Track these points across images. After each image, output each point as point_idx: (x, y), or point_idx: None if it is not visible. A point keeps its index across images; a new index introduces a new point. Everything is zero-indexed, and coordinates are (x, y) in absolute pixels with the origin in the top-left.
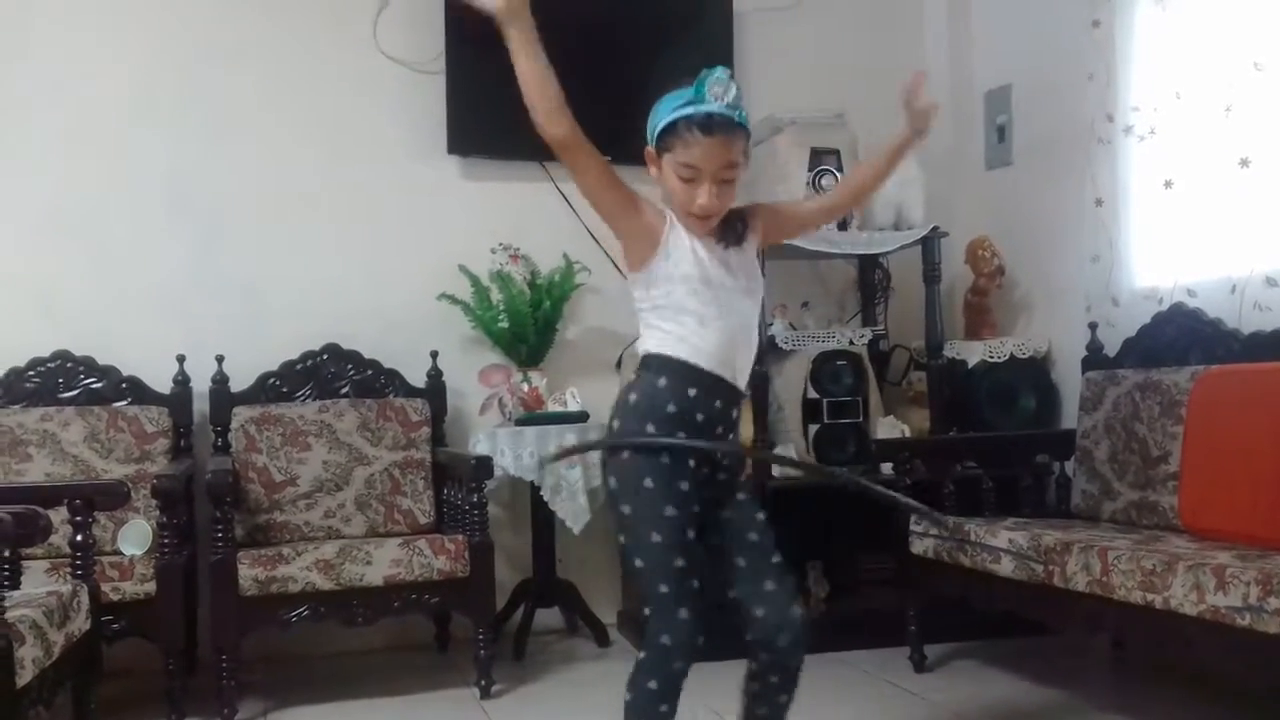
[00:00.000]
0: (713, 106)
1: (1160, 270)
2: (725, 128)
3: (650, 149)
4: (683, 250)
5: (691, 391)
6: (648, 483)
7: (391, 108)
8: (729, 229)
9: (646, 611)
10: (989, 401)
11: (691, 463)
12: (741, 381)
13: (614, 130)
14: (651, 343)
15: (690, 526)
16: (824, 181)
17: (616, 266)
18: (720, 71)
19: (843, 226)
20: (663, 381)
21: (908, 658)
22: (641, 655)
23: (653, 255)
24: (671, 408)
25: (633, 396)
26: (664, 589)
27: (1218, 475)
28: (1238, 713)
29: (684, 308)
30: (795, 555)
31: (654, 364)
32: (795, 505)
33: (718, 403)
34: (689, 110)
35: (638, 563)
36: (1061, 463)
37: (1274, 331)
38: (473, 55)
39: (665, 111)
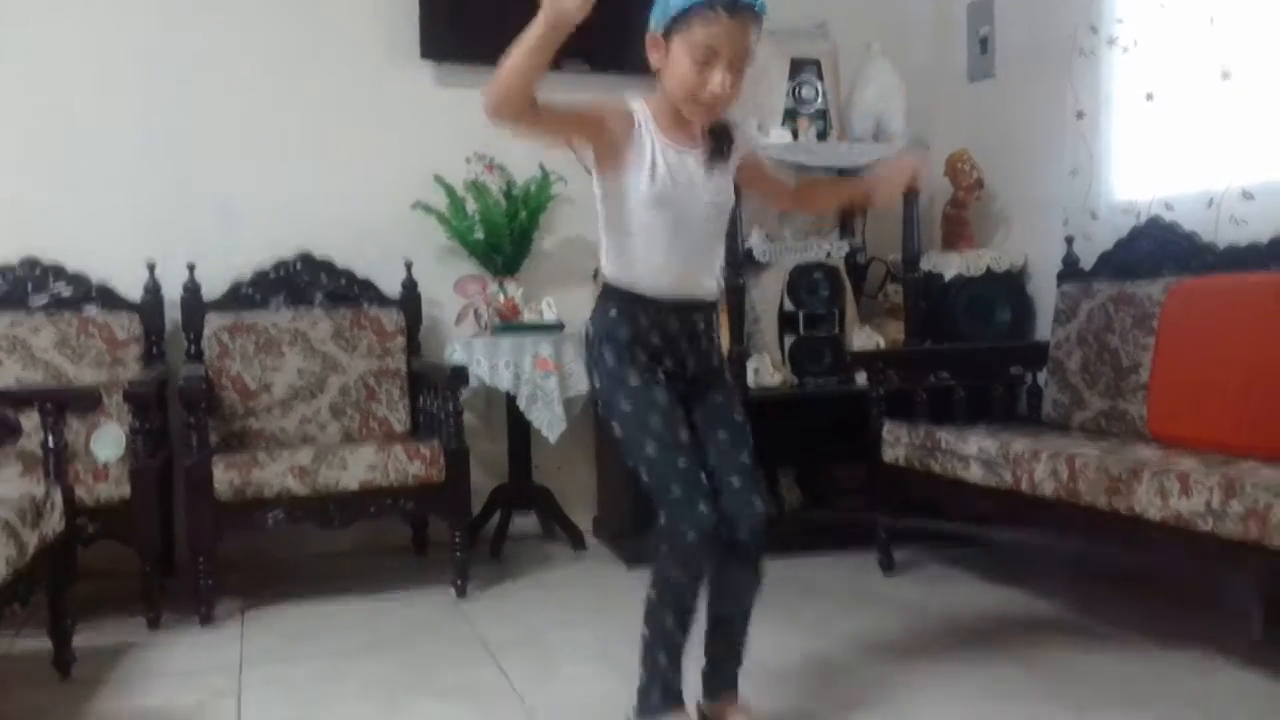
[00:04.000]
0: None
1: (1139, 184)
2: (749, 11)
3: (656, 34)
4: (644, 162)
5: (642, 319)
6: (625, 406)
7: (363, 11)
8: (717, 142)
9: (663, 515)
10: (965, 314)
11: (665, 366)
12: (702, 293)
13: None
14: (603, 265)
15: (681, 427)
16: (804, 92)
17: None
18: None
19: (822, 137)
20: (613, 312)
21: (876, 561)
22: (664, 551)
23: (615, 162)
24: (625, 335)
25: (591, 328)
26: (676, 491)
27: (1186, 385)
28: (1198, 615)
29: (629, 230)
30: (768, 464)
31: (605, 292)
32: (768, 415)
33: (673, 324)
34: None
35: (644, 476)
36: (1034, 373)
37: (1249, 245)
38: None
39: None
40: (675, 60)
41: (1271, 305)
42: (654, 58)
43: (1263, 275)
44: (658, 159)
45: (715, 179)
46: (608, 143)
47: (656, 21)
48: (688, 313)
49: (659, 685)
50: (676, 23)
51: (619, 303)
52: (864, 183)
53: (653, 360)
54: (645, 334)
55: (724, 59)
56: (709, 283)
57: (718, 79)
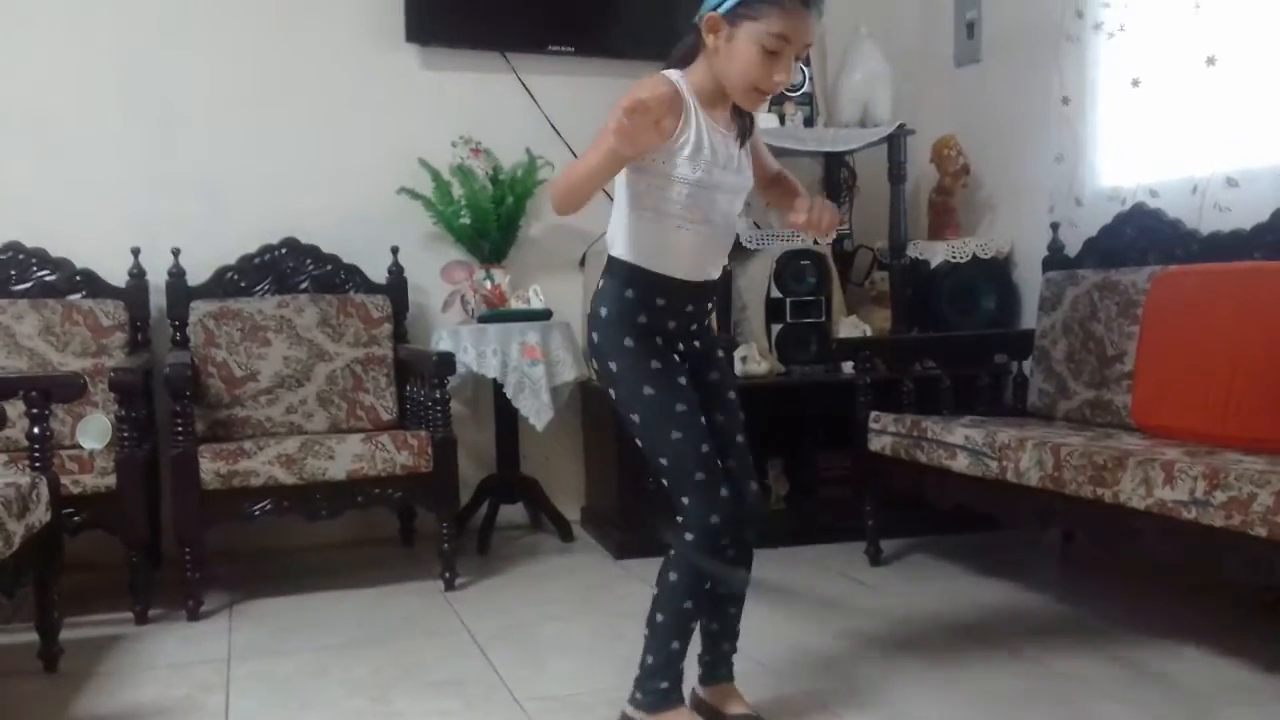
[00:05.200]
0: None
1: (1124, 170)
2: (820, 3)
3: (716, 15)
4: (691, 143)
5: (660, 301)
6: (648, 390)
7: None
8: (741, 123)
9: (685, 502)
10: (950, 301)
11: (680, 348)
12: (717, 274)
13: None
14: (620, 245)
15: (700, 411)
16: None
17: None
18: None
19: (809, 123)
20: (630, 293)
21: (864, 552)
22: (689, 538)
23: (666, 145)
24: (643, 318)
25: (604, 310)
26: (700, 475)
27: (1171, 374)
28: (1182, 604)
29: (665, 210)
30: (756, 454)
31: (622, 272)
32: (756, 405)
33: (689, 306)
34: None
35: (663, 461)
36: (1019, 362)
37: (1232, 232)
38: None
39: None
40: (740, 47)
41: (1253, 294)
42: (710, 39)
43: (1246, 264)
44: (704, 140)
45: (742, 160)
46: (669, 137)
47: (722, 2)
48: (701, 294)
49: (669, 671)
50: (747, 7)
51: (638, 283)
52: (795, 206)
53: (667, 344)
54: (663, 316)
55: (794, 48)
56: (723, 263)
57: (784, 68)
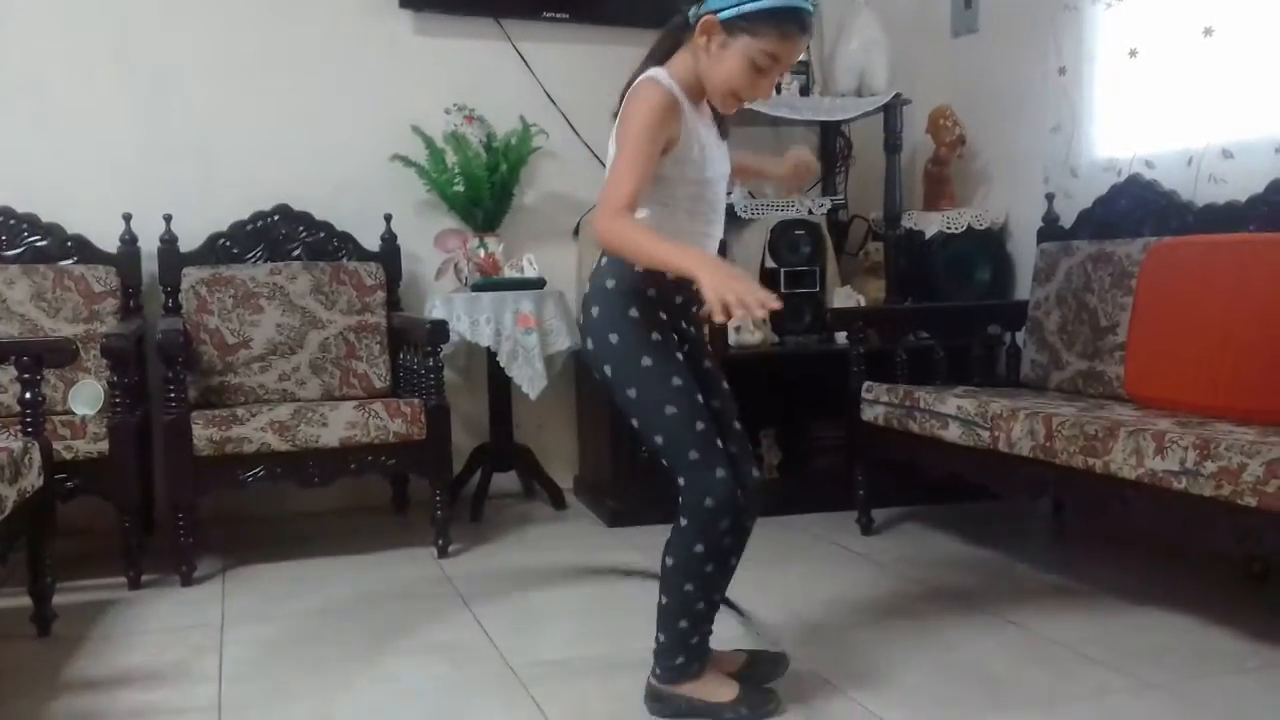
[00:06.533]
0: (807, 4)
1: (1120, 141)
2: (812, 25)
3: (714, 20)
4: (688, 140)
5: (669, 277)
6: (646, 361)
7: None
8: (720, 120)
9: (681, 482)
10: (945, 272)
11: (681, 327)
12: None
13: None
14: None
15: (698, 389)
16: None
17: (591, 150)
18: None
19: (804, 92)
20: (639, 267)
21: (855, 521)
22: (683, 523)
23: (671, 147)
24: (652, 292)
25: (610, 282)
26: (694, 455)
27: (1164, 345)
28: (1171, 573)
29: (668, 202)
30: (749, 424)
31: None
32: (749, 375)
33: (689, 288)
34: (796, 3)
35: (658, 439)
36: (1013, 333)
37: (1227, 204)
38: None
39: None
40: (731, 57)
41: (1247, 266)
42: (701, 41)
43: (1239, 235)
44: (696, 135)
45: (723, 148)
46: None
47: (724, 9)
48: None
49: (683, 647)
50: (748, 22)
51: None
52: (771, 169)
53: (669, 321)
54: (671, 291)
55: (780, 69)
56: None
57: (768, 85)
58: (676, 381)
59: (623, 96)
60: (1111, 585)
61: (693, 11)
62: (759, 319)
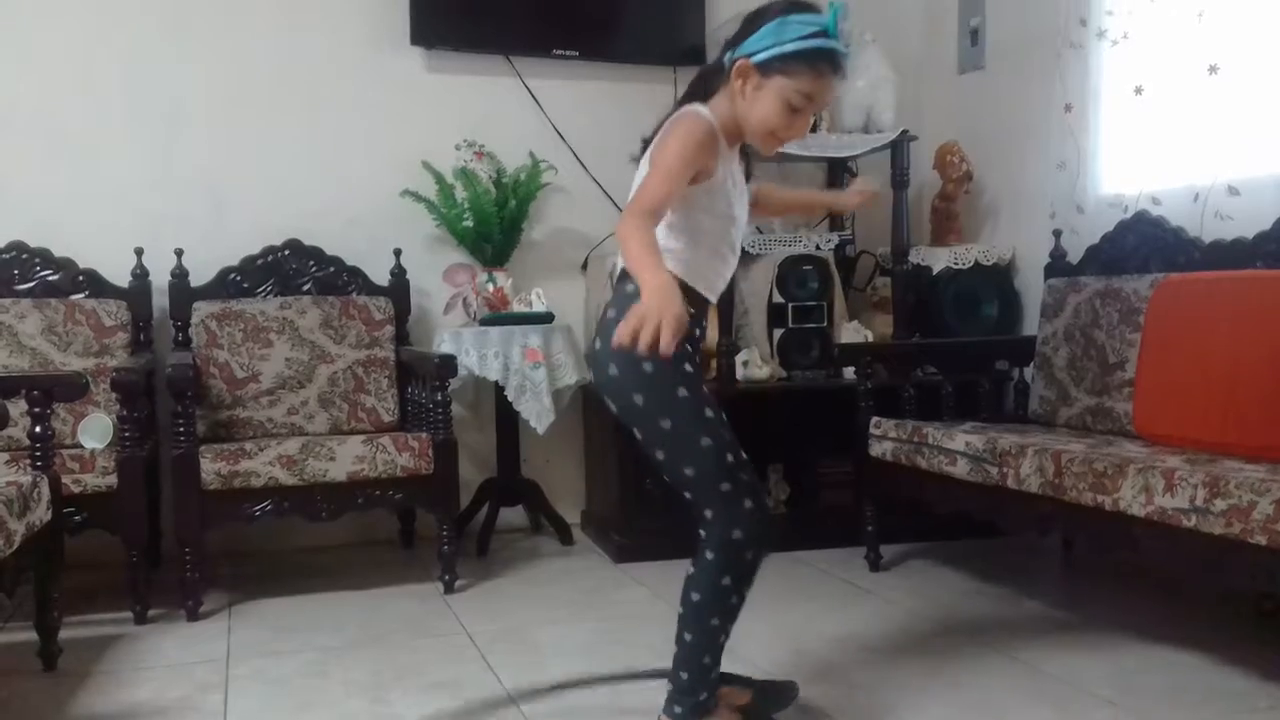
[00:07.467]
0: (840, 44)
1: (1126, 178)
2: (845, 64)
3: (749, 64)
4: (726, 178)
5: (692, 310)
6: (682, 392)
7: None
8: (746, 157)
9: (708, 514)
10: (952, 308)
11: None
12: (724, 290)
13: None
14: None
15: (724, 418)
16: None
17: (600, 185)
18: (844, 8)
19: (813, 129)
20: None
21: (864, 557)
22: (709, 556)
23: (705, 177)
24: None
25: (613, 314)
26: (726, 486)
27: (1172, 382)
28: (1181, 611)
29: (697, 236)
30: (757, 459)
31: None
32: (757, 409)
33: (703, 319)
34: (828, 44)
35: (688, 471)
36: (1021, 369)
37: (1234, 240)
38: None
39: (792, 36)
40: (767, 98)
41: (1254, 303)
42: (737, 84)
43: (1246, 272)
44: (730, 172)
45: (745, 195)
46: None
47: (758, 52)
48: (701, 308)
49: (705, 683)
50: (783, 63)
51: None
52: (820, 199)
53: (691, 353)
54: (692, 324)
55: (815, 108)
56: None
57: (803, 125)
58: (709, 414)
59: (657, 127)
60: (1121, 623)
61: (727, 56)
62: (664, 349)
